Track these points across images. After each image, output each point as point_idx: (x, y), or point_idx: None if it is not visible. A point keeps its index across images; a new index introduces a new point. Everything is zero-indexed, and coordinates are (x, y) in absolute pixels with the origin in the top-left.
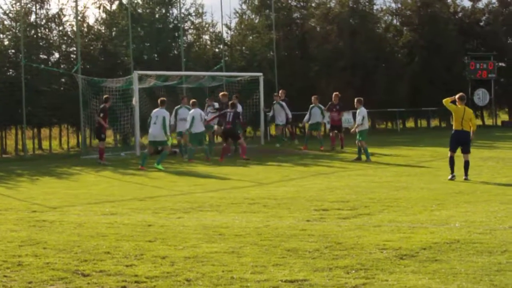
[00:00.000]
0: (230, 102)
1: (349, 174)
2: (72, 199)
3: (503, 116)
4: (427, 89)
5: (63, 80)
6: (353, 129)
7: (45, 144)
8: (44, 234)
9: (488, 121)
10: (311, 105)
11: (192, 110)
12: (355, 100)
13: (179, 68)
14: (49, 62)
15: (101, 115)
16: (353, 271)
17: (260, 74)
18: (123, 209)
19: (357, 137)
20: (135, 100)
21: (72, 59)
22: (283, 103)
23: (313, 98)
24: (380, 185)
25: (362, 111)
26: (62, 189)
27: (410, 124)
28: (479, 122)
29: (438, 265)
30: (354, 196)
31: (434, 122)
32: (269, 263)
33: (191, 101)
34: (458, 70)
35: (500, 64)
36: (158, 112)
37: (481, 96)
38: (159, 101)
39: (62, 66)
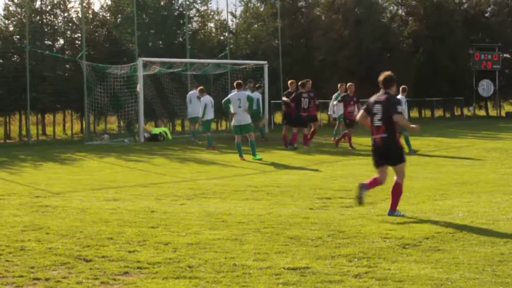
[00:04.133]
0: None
1: (353, 163)
2: (75, 185)
3: (508, 107)
4: (431, 80)
5: (67, 66)
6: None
7: (49, 129)
8: (47, 219)
9: (492, 112)
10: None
11: (204, 97)
12: (401, 88)
13: (184, 55)
14: (54, 48)
15: None
16: (356, 260)
17: (265, 62)
18: (126, 195)
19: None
20: (139, 87)
21: (77, 45)
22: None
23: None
24: None
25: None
26: (65, 174)
27: (414, 114)
28: (483, 113)
29: (441, 254)
30: (357, 185)
31: (438, 113)
32: (271, 251)
33: (198, 88)
34: (463, 60)
35: (504, 55)
36: (240, 95)
37: (486, 87)
38: (235, 84)
39: (66, 52)
